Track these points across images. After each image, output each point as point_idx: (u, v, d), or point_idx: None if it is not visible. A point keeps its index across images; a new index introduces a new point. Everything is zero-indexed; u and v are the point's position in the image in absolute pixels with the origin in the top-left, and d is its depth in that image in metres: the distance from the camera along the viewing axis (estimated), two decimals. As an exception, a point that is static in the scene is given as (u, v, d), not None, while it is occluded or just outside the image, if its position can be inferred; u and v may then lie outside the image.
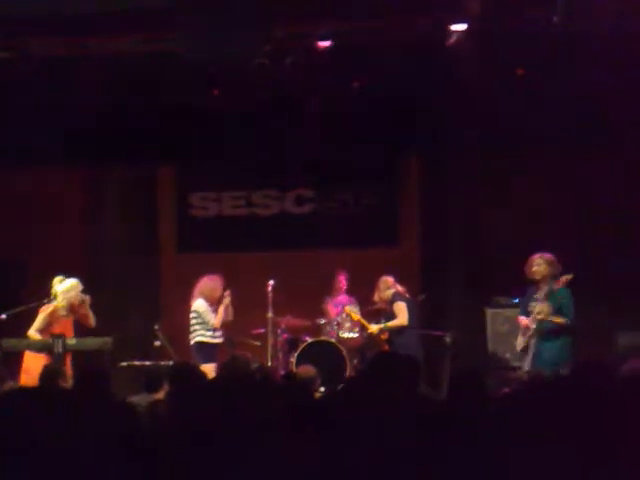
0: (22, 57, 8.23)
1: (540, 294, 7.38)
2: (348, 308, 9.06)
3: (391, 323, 8.65)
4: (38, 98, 8.98)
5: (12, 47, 8.21)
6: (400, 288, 8.75)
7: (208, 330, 8.37)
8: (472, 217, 9.91)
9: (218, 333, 8.43)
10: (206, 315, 8.34)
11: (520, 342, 7.47)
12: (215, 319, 8.34)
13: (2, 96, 8.83)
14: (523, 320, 7.47)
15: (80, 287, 7.81)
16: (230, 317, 8.47)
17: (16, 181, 10.15)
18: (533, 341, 7.32)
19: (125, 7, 7.64)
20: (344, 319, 9.14)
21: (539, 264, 7.38)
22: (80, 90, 9.08)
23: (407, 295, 8.78)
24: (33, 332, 7.62)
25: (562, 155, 9.42)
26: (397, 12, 7.97)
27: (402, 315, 8.58)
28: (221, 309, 8.37)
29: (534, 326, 7.32)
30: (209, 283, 8.44)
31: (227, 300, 8.38)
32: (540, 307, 7.29)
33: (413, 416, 3.64)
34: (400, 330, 8.60)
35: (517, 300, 8.25)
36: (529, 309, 7.45)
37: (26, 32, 8.13)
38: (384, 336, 8.76)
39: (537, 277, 7.41)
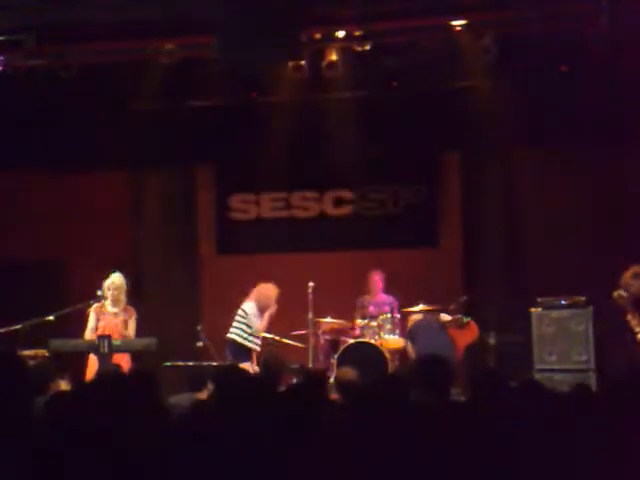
0: (62, 65, 8.29)
1: None
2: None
3: None
4: (78, 104, 9.07)
5: (52, 55, 8.27)
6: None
7: (249, 334, 8.49)
8: (514, 216, 9.78)
9: (257, 340, 8.52)
10: (253, 319, 8.49)
11: None
12: (260, 325, 8.50)
13: (44, 104, 8.93)
14: None
15: (123, 280, 7.90)
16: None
17: (59, 185, 10.24)
18: None
19: (164, 14, 7.70)
20: (385, 320, 9.07)
21: None
22: (118, 95, 9.16)
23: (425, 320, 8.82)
24: (87, 332, 7.77)
25: (609, 152, 9.21)
26: (432, 12, 7.95)
27: None
28: (266, 316, 8.52)
29: None
30: (268, 291, 8.58)
31: (273, 309, 8.52)
32: None
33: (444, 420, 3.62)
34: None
35: (564, 302, 8.13)
36: None
37: (65, 40, 8.20)
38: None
39: None
